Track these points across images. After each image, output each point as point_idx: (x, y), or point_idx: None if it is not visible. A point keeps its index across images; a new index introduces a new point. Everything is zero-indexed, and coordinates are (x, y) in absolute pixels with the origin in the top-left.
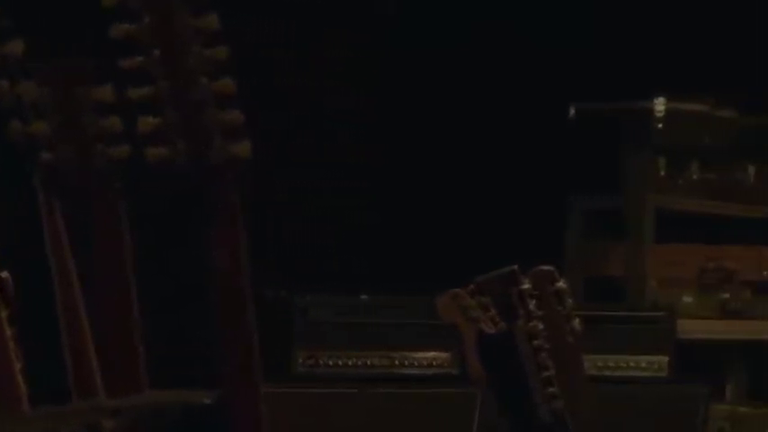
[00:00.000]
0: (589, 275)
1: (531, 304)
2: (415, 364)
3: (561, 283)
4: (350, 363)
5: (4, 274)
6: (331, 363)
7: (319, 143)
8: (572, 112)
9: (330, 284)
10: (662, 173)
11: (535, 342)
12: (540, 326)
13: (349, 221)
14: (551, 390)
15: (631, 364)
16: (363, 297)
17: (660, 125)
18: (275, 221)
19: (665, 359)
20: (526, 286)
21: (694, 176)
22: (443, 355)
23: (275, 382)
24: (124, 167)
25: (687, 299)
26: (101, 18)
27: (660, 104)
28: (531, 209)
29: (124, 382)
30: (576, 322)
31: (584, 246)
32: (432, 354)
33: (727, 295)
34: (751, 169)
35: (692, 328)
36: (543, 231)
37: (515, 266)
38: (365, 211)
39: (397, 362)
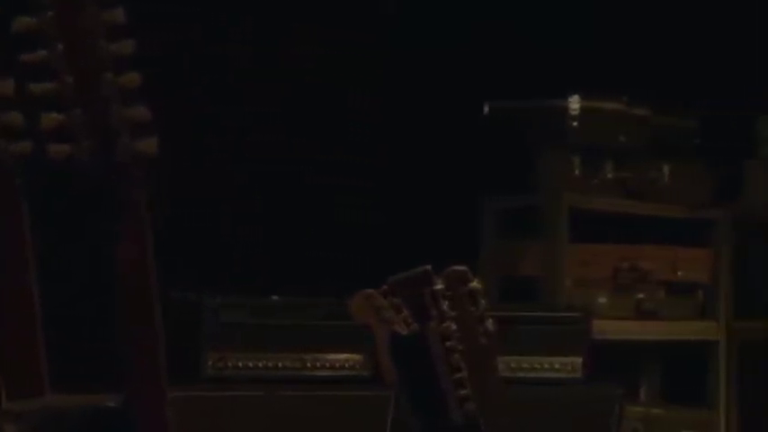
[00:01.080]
0: (504, 275)
1: (445, 305)
2: (327, 366)
3: (475, 284)
4: (260, 365)
5: None
6: (241, 365)
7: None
8: (486, 110)
9: (241, 285)
10: (576, 172)
11: (448, 343)
12: (454, 327)
13: (258, 222)
14: (464, 392)
15: (545, 365)
16: (274, 298)
17: (575, 123)
18: (189, 221)
19: (579, 360)
20: (439, 287)
21: (609, 176)
22: (356, 356)
23: (183, 384)
24: (26, 164)
25: (602, 299)
26: (2, 11)
27: (574, 103)
28: (445, 208)
29: (26, 385)
30: (490, 323)
31: (498, 245)
32: (344, 356)
33: (641, 295)
34: (665, 168)
35: (606, 329)
36: (457, 231)
37: (428, 266)
38: (269, 211)
39: (308, 364)
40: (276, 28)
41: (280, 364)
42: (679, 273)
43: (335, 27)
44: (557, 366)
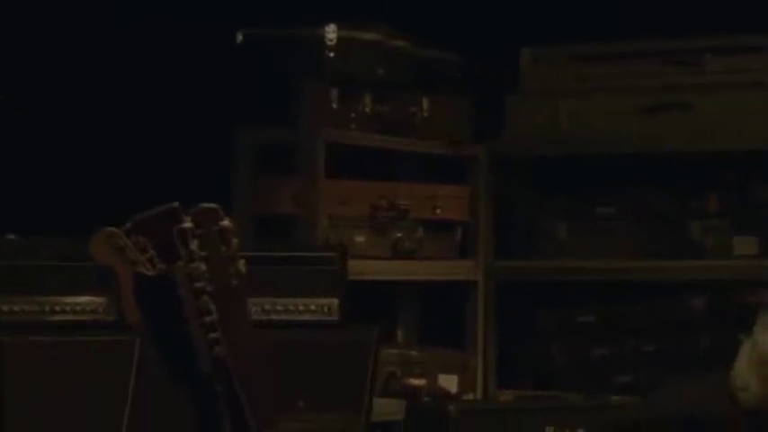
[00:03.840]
0: (258, 214)
1: (194, 244)
2: (67, 309)
3: (226, 222)
4: None
5: None
6: None
7: None
8: (239, 38)
9: None
10: (334, 105)
11: (196, 285)
12: (203, 267)
13: None
14: (213, 335)
15: (300, 307)
16: (10, 237)
17: (332, 54)
18: None
19: (335, 301)
20: (188, 225)
21: (367, 110)
22: (98, 299)
23: None
24: None
25: (359, 238)
26: None
27: (331, 32)
28: (196, 141)
29: None
30: (242, 263)
31: (252, 182)
32: (85, 298)
33: (399, 234)
34: (425, 103)
35: (363, 269)
36: (209, 166)
37: (176, 203)
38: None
39: (47, 308)
40: None
41: (15, 309)
42: (438, 211)
43: None
44: (312, 308)
